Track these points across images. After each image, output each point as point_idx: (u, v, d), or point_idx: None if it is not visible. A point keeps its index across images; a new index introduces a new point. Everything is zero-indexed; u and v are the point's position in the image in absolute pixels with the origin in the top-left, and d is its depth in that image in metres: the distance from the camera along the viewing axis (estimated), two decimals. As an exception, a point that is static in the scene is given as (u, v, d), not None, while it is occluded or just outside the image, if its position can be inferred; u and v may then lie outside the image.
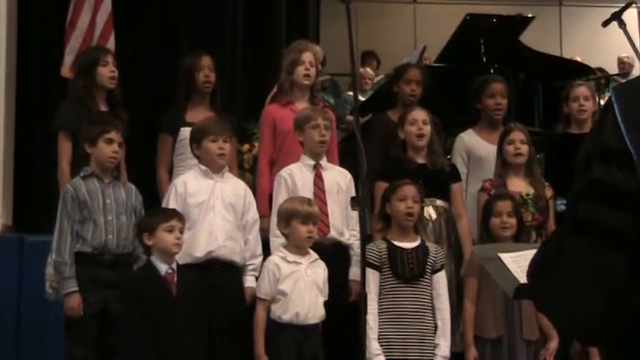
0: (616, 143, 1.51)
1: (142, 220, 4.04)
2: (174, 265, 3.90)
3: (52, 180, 4.59)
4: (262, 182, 4.60)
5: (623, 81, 6.58)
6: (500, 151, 4.66)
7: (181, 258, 4.00)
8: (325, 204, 4.29)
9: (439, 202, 4.53)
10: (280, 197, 4.25)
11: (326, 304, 4.07)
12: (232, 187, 4.29)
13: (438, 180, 4.55)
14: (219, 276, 4.14)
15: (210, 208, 4.17)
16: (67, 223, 4.01)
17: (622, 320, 1.46)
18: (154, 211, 4.16)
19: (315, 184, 4.33)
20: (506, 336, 4.12)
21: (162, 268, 3.86)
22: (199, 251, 4.11)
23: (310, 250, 4.08)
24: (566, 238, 1.53)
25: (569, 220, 1.57)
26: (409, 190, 4.17)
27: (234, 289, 4.19)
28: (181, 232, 3.91)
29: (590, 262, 1.48)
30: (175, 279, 3.87)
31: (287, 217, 4.04)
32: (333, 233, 4.29)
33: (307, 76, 4.73)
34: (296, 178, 4.31)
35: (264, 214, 4.38)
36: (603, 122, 1.58)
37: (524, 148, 4.60)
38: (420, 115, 4.59)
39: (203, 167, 4.25)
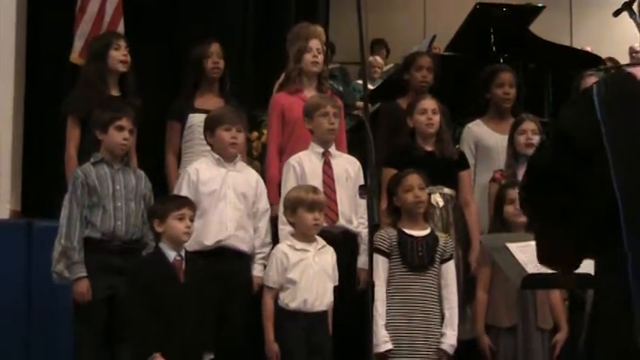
0: (581, 134, 1.82)
1: (154, 206, 4.05)
2: (182, 252, 3.90)
3: (61, 166, 4.61)
4: (272, 170, 4.59)
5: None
6: (512, 141, 4.65)
7: (190, 245, 4.00)
8: (334, 191, 4.30)
9: (446, 190, 4.53)
10: (289, 185, 4.25)
11: (335, 291, 4.08)
12: (244, 177, 4.30)
13: (446, 167, 4.55)
14: (227, 264, 4.15)
15: (222, 197, 4.18)
16: (76, 209, 4.02)
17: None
18: (166, 197, 4.17)
19: (324, 171, 4.33)
20: (520, 325, 4.13)
21: (171, 255, 3.87)
22: (209, 240, 4.12)
23: (318, 237, 4.09)
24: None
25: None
26: (413, 179, 4.17)
27: (243, 278, 4.20)
28: (192, 221, 3.91)
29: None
30: (183, 266, 3.88)
31: (293, 206, 4.04)
32: (341, 221, 4.29)
33: (315, 63, 4.72)
34: (305, 165, 4.32)
35: (273, 202, 4.39)
36: (576, 109, 1.91)
37: (536, 139, 4.59)
38: (429, 104, 4.58)
39: (216, 155, 4.26)
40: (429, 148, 4.58)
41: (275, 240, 4.26)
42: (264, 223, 4.29)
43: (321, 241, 4.09)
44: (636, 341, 1.70)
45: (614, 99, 1.81)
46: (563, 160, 1.83)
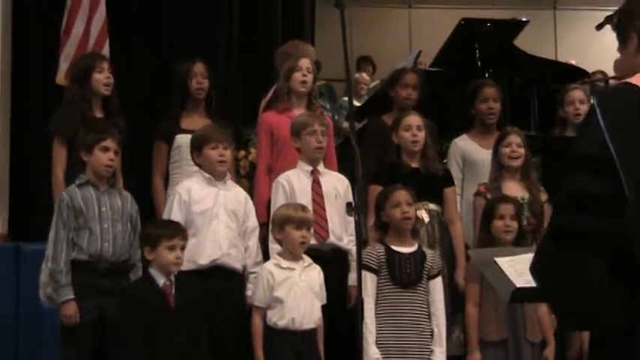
0: (595, 150, 1.75)
1: (146, 231, 4.03)
2: (172, 277, 3.88)
3: (48, 188, 4.59)
4: (261, 189, 4.58)
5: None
6: (496, 154, 4.66)
7: (184, 265, 3.98)
8: (324, 209, 4.29)
9: (432, 206, 4.54)
10: (278, 203, 4.24)
11: (326, 309, 4.07)
12: (234, 195, 4.31)
13: (431, 184, 4.56)
14: (221, 282, 4.14)
15: (214, 216, 4.18)
16: (62, 231, 4.00)
17: (608, 311, 1.75)
18: (159, 223, 4.14)
19: (313, 189, 4.33)
20: (511, 338, 4.12)
21: (160, 280, 3.85)
22: (204, 259, 4.12)
23: (304, 256, 4.08)
24: (553, 250, 1.81)
25: (554, 229, 1.85)
26: (401, 195, 4.17)
27: (236, 296, 4.19)
28: (183, 249, 3.90)
29: (575, 270, 1.75)
30: (173, 291, 3.86)
31: (281, 223, 4.04)
32: (332, 238, 4.28)
33: (304, 82, 4.72)
34: (294, 184, 4.31)
35: (262, 221, 4.38)
36: (585, 129, 1.83)
37: (520, 152, 4.61)
38: (414, 120, 4.59)
39: (207, 175, 4.25)
40: (414, 165, 4.58)
41: (266, 259, 4.25)
42: (253, 242, 4.29)
43: (307, 259, 4.08)
44: None
45: (619, 117, 1.77)
46: (598, 182, 1.75)
